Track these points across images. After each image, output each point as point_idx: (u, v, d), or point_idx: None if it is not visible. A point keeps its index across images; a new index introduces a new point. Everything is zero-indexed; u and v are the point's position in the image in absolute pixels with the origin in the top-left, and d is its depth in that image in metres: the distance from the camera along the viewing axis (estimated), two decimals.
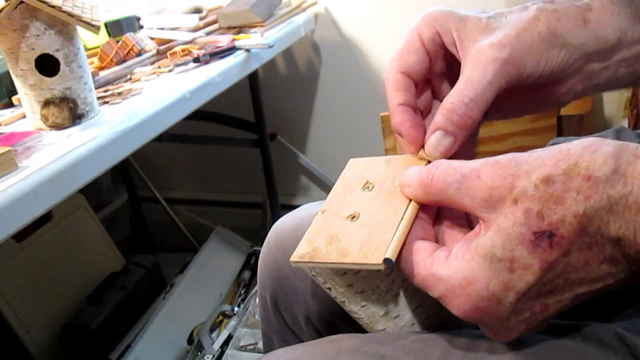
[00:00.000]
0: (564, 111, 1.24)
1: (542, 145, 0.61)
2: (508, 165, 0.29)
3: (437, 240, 0.35)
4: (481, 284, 0.29)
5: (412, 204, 0.35)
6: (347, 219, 0.36)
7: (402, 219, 0.34)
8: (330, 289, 0.38)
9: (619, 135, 0.57)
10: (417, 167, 0.34)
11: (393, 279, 0.37)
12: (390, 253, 0.32)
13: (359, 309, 0.38)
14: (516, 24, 0.35)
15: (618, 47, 0.37)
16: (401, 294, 0.38)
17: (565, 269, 0.28)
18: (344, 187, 0.40)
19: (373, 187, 0.38)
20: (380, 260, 0.32)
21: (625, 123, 1.15)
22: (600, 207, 0.26)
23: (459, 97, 0.35)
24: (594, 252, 0.27)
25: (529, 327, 0.31)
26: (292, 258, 0.36)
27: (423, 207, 0.35)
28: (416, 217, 0.34)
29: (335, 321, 0.55)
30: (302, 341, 0.58)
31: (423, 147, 0.38)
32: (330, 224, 0.37)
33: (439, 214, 0.36)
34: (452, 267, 0.30)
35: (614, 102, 1.29)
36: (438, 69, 0.40)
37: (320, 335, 0.56)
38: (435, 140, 0.36)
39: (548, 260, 0.27)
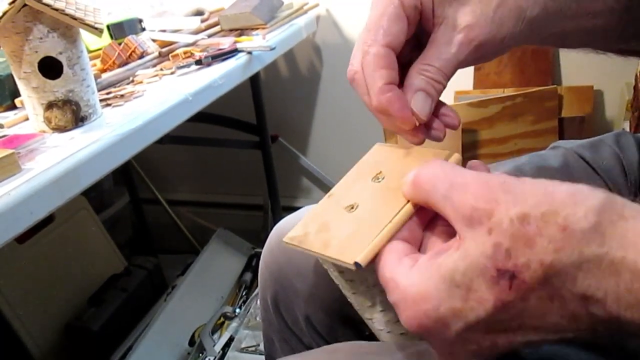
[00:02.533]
0: (565, 113, 1.24)
1: (544, 148, 0.61)
2: (496, 190, 0.28)
3: (421, 246, 0.34)
4: (431, 305, 0.28)
5: (408, 205, 0.34)
6: (346, 208, 0.37)
7: (390, 220, 0.34)
8: (327, 270, 0.39)
9: (619, 138, 0.57)
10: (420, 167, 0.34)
11: None
12: (362, 257, 0.32)
13: (349, 296, 0.38)
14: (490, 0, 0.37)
15: (552, 18, 0.39)
16: None
17: (521, 313, 0.27)
18: (358, 173, 0.40)
19: (383, 179, 0.38)
20: (352, 261, 0.32)
21: (626, 125, 1.15)
22: (569, 263, 0.25)
23: (436, 69, 0.37)
24: (555, 305, 0.26)
25: (475, 358, 0.30)
26: (285, 238, 0.37)
27: (420, 208, 0.34)
28: (408, 219, 0.34)
29: (335, 323, 0.55)
30: (302, 342, 0.58)
31: None
32: (329, 211, 0.37)
33: (433, 218, 0.35)
34: (411, 278, 0.29)
35: (615, 104, 1.29)
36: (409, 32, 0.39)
37: (320, 336, 0.56)
38: (421, 101, 0.37)
39: (503, 300, 0.26)
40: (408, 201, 0.35)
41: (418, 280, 0.29)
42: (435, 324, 0.28)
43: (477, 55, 0.38)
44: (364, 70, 0.37)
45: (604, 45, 0.45)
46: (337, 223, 0.36)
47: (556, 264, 0.25)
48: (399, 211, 0.34)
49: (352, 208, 0.36)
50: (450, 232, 0.33)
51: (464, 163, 0.38)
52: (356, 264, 0.32)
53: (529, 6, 0.37)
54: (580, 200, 0.26)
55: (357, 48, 0.39)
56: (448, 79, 0.38)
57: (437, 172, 0.31)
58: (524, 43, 0.40)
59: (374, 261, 0.33)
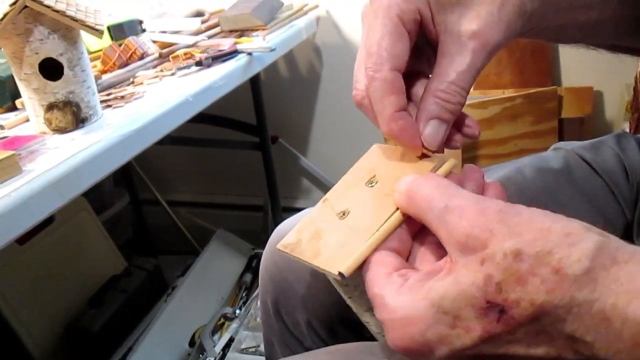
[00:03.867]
0: (564, 114, 1.24)
1: (544, 149, 0.61)
2: (492, 219, 0.27)
3: (410, 255, 0.34)
4: (419, 329, 0.28)
5: (397, 214, 0.33)
6: (338, 215, 0.36)
7: (378, 228, 0.33)
8: (325, 274, 0.39)
9: (619, 139, 0.57)
10: (414, 176, 0.33)
11: None
12: (346, 267, 0.32)
13: (346, 299, 0.38)
14: None
15: (549, 10, 0.38)
16: None
17: (505, 344, 0.27)
18: (353, 176, 0.39)
19: (376, 183, 0.37)
20: (337, 271, 0.32)
21: (626, 126, 1.16)
22: (560, 305, 0.25)
23: (453, 87, 0.35)
24: (541, 339, 0.26)
25: None
26: (278, 245, 0.36)
27: (410, 217, 0.33)
28: (397, 228, 0.33)
29: (336, 326, 0.55)
30: (303, 345, 0.58)
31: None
32: (322, 217, 0.37)
33: (422, 228, 0.34)
34: (400, 299, 0.29)
35: (614, 105, 1.29)
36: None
37: (322, 340, 0.56)
38: (434, 131, 0.35)
39: (490, 332, 0.27)
40: (397, 208, 0.34)
41: (407, 303, 0.29)
42: (421, 347, 0.28)
43: (490, 59, 0.36)
44: (370, 96, 0.36)
45: (597, 40, 0.44)
46: (328, 230, 0.35)
47: (546, 305, 0.25)
48: (387, 219, 0.33)
49: (344, 214, 0.36)
50: (439, 243, 0.33)
51: (464, 164, 0.38)
52: (340, 274, 0.32)
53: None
54: (575, 242, 0.26)
55: (358, 70, 0.37)
56: (467, 92, 0.36)
57: (432, 191, 0.30)
58: (518, 37, 0.38)
59: (363, 270, 0.32)
